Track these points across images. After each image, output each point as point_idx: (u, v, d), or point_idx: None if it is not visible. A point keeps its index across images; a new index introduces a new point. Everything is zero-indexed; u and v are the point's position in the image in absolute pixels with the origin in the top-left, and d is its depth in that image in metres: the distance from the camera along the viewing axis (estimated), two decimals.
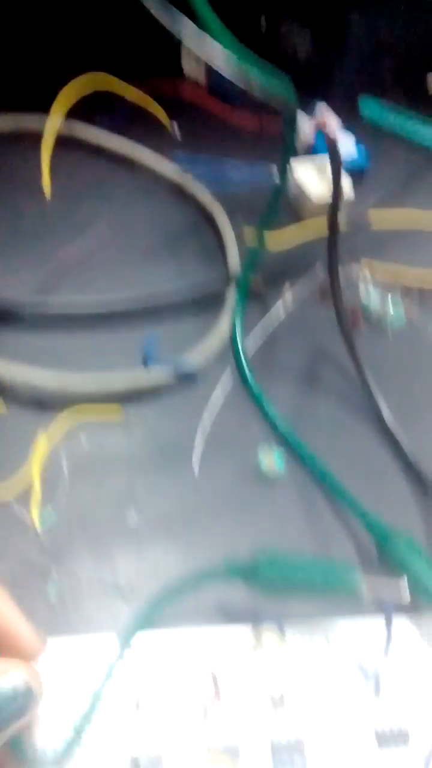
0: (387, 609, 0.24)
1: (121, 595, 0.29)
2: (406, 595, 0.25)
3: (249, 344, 0.39)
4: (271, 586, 0.26)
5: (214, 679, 0.24)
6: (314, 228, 0.43)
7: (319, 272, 0.42)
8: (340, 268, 0.43)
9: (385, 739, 0.24)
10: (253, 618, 0.27)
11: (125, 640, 0.25)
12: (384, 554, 0.29)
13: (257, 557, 0.27)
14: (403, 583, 0.25)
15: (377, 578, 0.26)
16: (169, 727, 0.24)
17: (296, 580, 0.26)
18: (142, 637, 0.26)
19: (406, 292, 0.43)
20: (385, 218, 0.45)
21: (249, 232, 0.41)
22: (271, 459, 0.34)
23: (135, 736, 0.23)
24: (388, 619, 0.25)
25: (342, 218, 0.45)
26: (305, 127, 0.49)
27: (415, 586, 0.27)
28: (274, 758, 0.23)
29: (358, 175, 0.47)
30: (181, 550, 0.31)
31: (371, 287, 0.43)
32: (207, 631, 0.26)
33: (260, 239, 0.40)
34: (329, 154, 0.36)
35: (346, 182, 0.45)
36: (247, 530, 0.32)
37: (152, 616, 0.26)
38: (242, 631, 0.26)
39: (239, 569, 0.27)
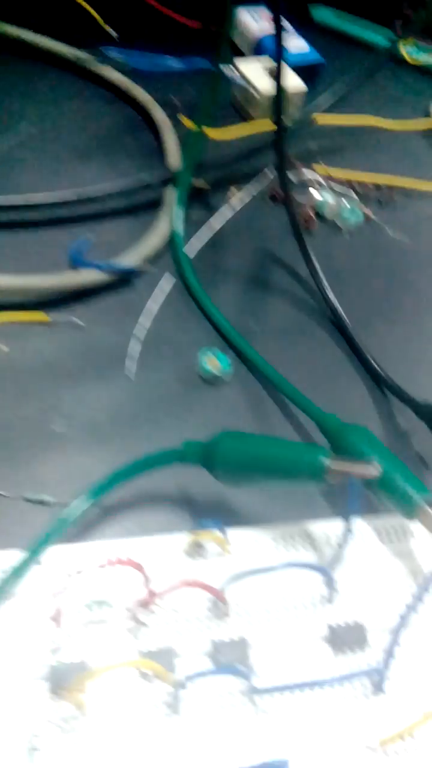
0: (352, 487, 0.21)
1: (46, 507, 0.26)
2: (374, 473, 0.22)
3: (192, 247, 0.35)
4: (231, 467, 0.24)
5: (147, 585, 0.21)
6: (262, 125, 0.39)
7: (270, 173, 0.39)
8: (293, 172, 0.40)
9: (339, 640, 0.22)
10: (194, 524, 0.24)
11: (40, 545, 0.22)
12: (338, 452, 0.26)
13: (217, 435, 0.24)
14: (374, 464, 0.22)
15: (344, 459, 0.23)
16: (94, 636, 0.21)
17: (258, 460, 0.24)
18: (65, 549, 0.22)
19: (363, 192, 0.40)
20: (333, 118, 0.42)
21: (188, 124, 0.37)
22: (215, 362, 0.30)
23: (54, 647, 0.20)
24: (353, 498, 0.22)
25: (291, 113, 0.42)
26: (252, 26, 0.45)
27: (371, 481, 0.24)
28: (215, 659, 0.20)
29: (310, 71, 0.44)
30: (114, 456, 0.27)
31: (326, 189, 0.39)
32: (139, 541, 0.23)
33: (200, 133, 0.36)
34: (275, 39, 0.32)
35: (294, 76, 0.41)
36: (188, 435, 0.28)
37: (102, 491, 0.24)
38: (179, 538, 0.23)
39: (196, 450, 0.24)
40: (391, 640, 0.21)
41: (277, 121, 0.32)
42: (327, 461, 0.23)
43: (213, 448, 0.24)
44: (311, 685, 0.20)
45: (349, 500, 0.22)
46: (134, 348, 0.31)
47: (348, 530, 0.22)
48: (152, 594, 0.20)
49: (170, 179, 0.37)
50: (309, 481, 0.23)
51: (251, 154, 0.39)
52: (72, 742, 0.19)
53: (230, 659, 0.21)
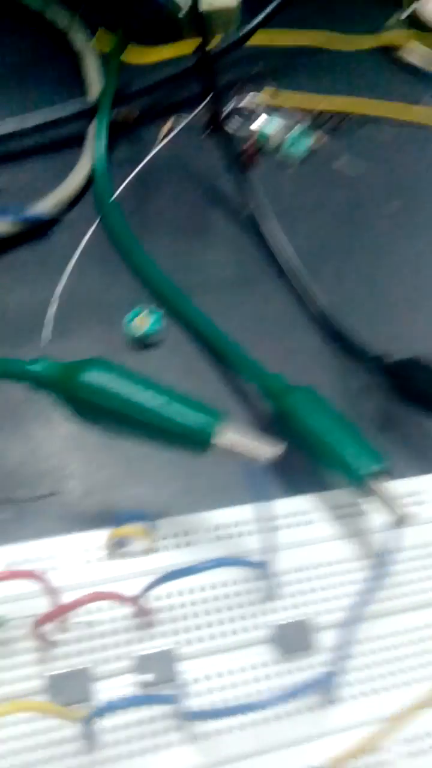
0: (249, 474, 0.17)
1: None
2: (268, 454, 0.18)
3: (119, 189, 0.31)
4: (93, 407, 0.19)
5: (54, 598, 0.17)
6: (189, 46, 0.35)
7: (204, 102, 0.34)
8: (232, 99, 0.35)
9: (283, 642, 0.19)
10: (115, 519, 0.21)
11: None
12: (281, 417, 0.22)
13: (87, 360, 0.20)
14: (271, 447, 0.18)
15: (238, 433, 0.18)
16: None
17: (129, 407, 0.19)
18: None
19: (311, 119, 0.35)
20: (272, 36, 0.37)
21: (104, 47, 0.32)
22: (147, 320, 0.27)
23: None
24: (253, 480, 0.18)
25: (226, 32, 0.37)
26: None
27: (315, 448, 0.21)
28: (138, 678, 0.17)
29: None
30: (26, 439, 0.24)
31: (272, 117, 0.35)
32: (50, 543, 0.20)
33: (118, 56, 0.31)
34: None
35: None
36: None
37: None
38: (99, 536, 0.20)
39: (55, 370, 0.19)
40: (343, 638, 0.19)
41: (202, 41, 0.28)
42: (217, 431, 0.18)
43: (76, 375, 0.19)
44: (252, 707, 0.17)
45: (248, 484, 0.18)
46: (50, 311, 0.27)
47: (261, 517, 0.18)
48: (60, 608, 0.17)
49: (90, 111, 0.32)
50: (189, 448, 0.19)
51: (183, 79, 0.34)
52: None
53: (155, 676, 0.18)
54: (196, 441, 0.18)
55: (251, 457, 0.18)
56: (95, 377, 0.19)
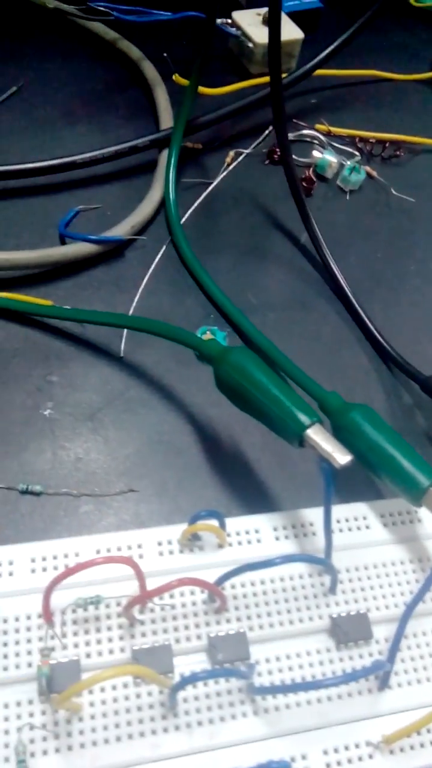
0: (324, 470, 0.20)
1: (35, 496, 0.25)
2: (340, 462, 0.21)
3: (187, 215, 0.34)
4: (231, 382, 0.24)
5: (141, 582, 0.20)
6: (257, 80, 0.37)
7: (267, 131, 0.37)
8: (292, 130, 0.38)
9: (342, 632, 0.21)
10: (191, 516, 0.23)
11: None
12: (339, 432, 0.25)
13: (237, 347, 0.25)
14: (346, 455, 0.21)
15: (325, 434, 0.22)
16: (88, 635, 0.20)
17: (254, 388, 0.23)
18: (57, 544, 0.21)
19: (366, 150, 0.38)
20: (334, 70, 0.39)
21: (180, 81, 0.35)
22: (215, 344, 0.29)
23: (46, 647, 0.19)
24: (326, 479, 0.20)
25: (289, 66, 0.40)
26: None
27: (373, 461, 0.23)
28: (212, 656, 0.20)
29: (308, 17, 0.41)
30: (103, 442, 0.26)
31: (327, 147, 0.37)
32: (134, 534, 0.22)
33: (192, 90, 0.34)
34: None
35: (290, 23, 0.39)
36: (182, 414, 0.27)
37: None
38: (176, 530, 0.22)
39: (214, 346, 0.25)
40: (396, 631, 0.21)
41: (273, 72, 0.30)
42: (308, 427, 0.22)
43: (225, 353, 0.24)
44: (314, 686, 0.19)
45: (323, 481, 0.20)
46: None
47: (326, 515, 0.21)
48: (146, 592, 0.19)
49: (162, 141, 0.35)
50: (288, 438, 0.22)
51: (248, 112, 0.37)
52: (66, 749, 0.18)
53: (229, 656, 0.20)
54: (292, 429, 0.22)
55: (329, 457, 0.20)
56: (239, 358, 0.24)
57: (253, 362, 0.24)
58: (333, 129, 0.38)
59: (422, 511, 0.24)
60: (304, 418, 0.22)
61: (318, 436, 0.21)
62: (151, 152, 0.35)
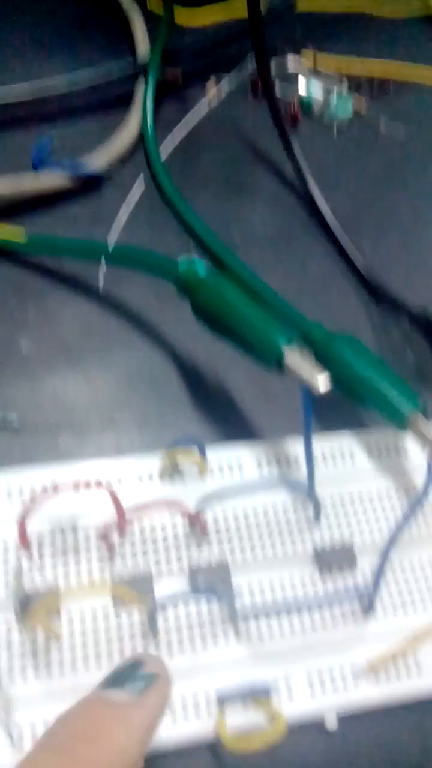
0: (303, 393, 0.19)
1: (13, 430, 0.24)
2: (322, 387, 0.20)
3: (166, 147, 0.32)
4: (206, 307, 0.23)
5: (119, 508, 0.19)
6: (237, 9, 0.36)
7: (251, 64, 0.35)
8: (276, 62, 0.36)
9: (326, 561, 0.20)
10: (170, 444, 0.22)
11: None
12: (324, 363, 0.24)
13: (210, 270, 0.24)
14: (326, 379, 0.20)
15: (304, 357, 0.20)
16: (66, 562, 0.19)
17: (230, 311, 0.22)
18: (34, 471, 0.21)
19: (355, 84, 0.36)
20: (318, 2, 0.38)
21: (155, 8, 0.33)
22: (192, 270, 0.28)
23: (24, 574, 0.19)
24: (305, 403, 0.19)
25: None
26: None
27: (358, 390, 0.22)
28: (194, 585, 0.19)
29: None
30: (82, 376, 0.25)
31: (313, 80, 0.36)
32: (111, 463, 0.21)
33: (169, 18, 0.32)
34: None
35: None
36: (162, 348, 0.26)
37: None
38: (155, 459, 0.22)
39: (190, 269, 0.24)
40: (381, 557, 0.20)
41: (255, 3, 0.28)
42: (286, 349, 0.20)
43: (203, 278, 0.23)
44: (297, 607, 0.19)
45: (303, 405, 0.19)
46: (103, 261, 0.28)
47: (306, 441, 0.20)
48: (124, 517, 0.19)
49: (139, 72, 0.33)
50: (267, 363, 0.21)
51: (229, 41, 0.35)
52: (44, 671, 0.18)
53: (210, 582, 0.19)
54: (270, 352, 0.21)
55: (308, 379, 0.19)
56: (216, 283, 0.23)
57: (230, 287, 0.23)
58: (319, 61, 0.36)
59: (408, 442, 0.23)
60: (281, 339, 0.21)
61: (296, 358, 0.20)
62: (129, 86, 0.33)
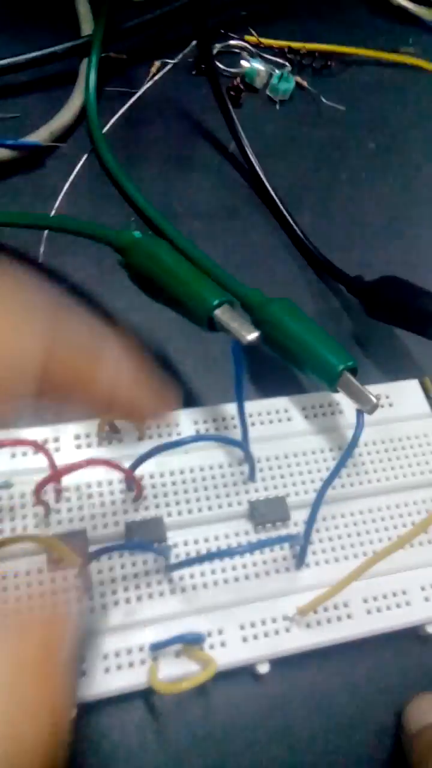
0: (233, 348, 0.19)
1: None
2: (249, 336, 0.20)
3: (110, 123, 0.32)
4: (141, 269, 0.23)
5: (52, 465, 0.19)
6: None
7: (194, 44, 0.35)
8: (223, 42, 0.36)
9: (260, 516, 0.21)
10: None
11: None
12: (260, 326, 0.24)
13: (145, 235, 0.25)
14: (255, 333, 0.20)
15: (235, 314, 0.21)
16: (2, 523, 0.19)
17: (164, 274, 0.23)
18: None
19: (296, 60, 0.37)
20: None
21: None
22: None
23: None
24: (236, 359, 0.20)
25: None
26: None
27: (293, 352, 0.23)
28: (128, 539, 0.20)
29: None
30: None
31: (255, 57, 0.36)
32: (50, 429, 0.22)
33: None
34: None
35: None
36: (103, 318, 0.26)
37: None
38: (93, 423, 0.22)
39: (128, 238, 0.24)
40: (312, 508, 0.21)
41: None
42: (216, 307, 0.21)
43: (137, 241, 0.24)
44: (229, 553, 0.19)
45: (233, 360, 0.20)
46: (45, 232, 0.28)
47: (237, 396, 0.20)
48: (57, 473, 0.19)
49: (82, 47, 0.33)
50: (199, 321, 0.22)
51: (174, 20, 0.35)
52: None
53: (145, 538, 0.20)
54: (202, 310, 0.21)
55: (237, 334, 0.20)
56: (150, 244, 0.24)
57: (164, 249, 0.23)
58: (263, 40, 0.37)
59: (342, 400, 0.24)
60: (212, 298, 0.21)
61: (226, 315, 0.21)
62: (73, 62, 0.33)
